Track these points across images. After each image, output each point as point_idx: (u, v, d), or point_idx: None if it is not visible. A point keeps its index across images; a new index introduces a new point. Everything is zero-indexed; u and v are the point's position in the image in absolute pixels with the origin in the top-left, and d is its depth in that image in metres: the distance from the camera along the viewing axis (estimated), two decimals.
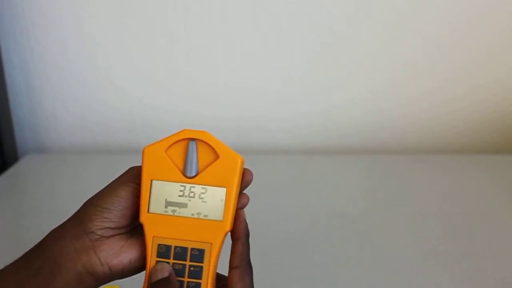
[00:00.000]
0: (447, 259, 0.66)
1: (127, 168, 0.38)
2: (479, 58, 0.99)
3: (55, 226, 0.37)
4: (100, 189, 0.37)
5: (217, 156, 0.36)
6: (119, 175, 0.38)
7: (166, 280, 0.34)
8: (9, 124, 0.96)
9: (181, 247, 0.35)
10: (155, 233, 0.35)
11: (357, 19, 0.95)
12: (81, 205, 0.37)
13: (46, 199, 0.83)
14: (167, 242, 0.35)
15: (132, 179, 0.36)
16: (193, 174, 0.36)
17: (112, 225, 0.35)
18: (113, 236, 0.35)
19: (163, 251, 0.35)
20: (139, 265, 0.36)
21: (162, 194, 0.36)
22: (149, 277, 0.35)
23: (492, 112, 1.04)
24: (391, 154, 1.04)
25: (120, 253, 0.35)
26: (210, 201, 0.35)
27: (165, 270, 0.34)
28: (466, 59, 0.99)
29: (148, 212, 0.36)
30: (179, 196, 0.36)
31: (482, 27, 0.97)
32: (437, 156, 1.02)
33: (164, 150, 0.36)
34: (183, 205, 0.36)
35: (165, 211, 0.36)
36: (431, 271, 0.64)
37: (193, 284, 0.35)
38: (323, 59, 0.98)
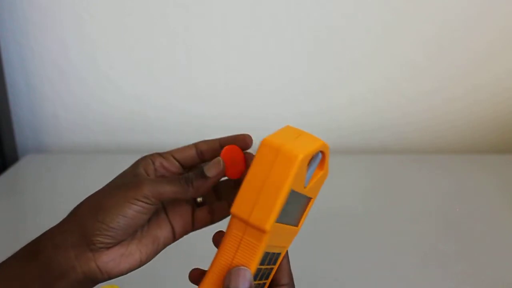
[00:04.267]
0: (447, 259, 0.66)
1: (126, 167, 0.38)
2: (479, 58, 0.99)
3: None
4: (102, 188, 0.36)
5: (322, 169, 0.36)
6: (123, 173, 0.37)
7: None
8: (9, 124, 0.96)
9: (273, 253, 0.35)
10: (270, 242, 0.33)
11: (357, 19, 0.95)
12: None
13: (46, 199, 0.83)
14: (269, 250, 0.33)
15: (143, 197, 0.34)
16: (306, 184, 0.34)
17: (114, 241, 0.34)
18: (112, 247, 0.35)
19: (263, 257, 0.33)
20: (138, 268, 0.36)
21: (288, 203, 0.32)
22: (227, 279, 0.32)
23: (492, 112, 1.04)
24: (391, 154, 1.04)
25: (120, 264, 0.35)
26: (295, 208, 0.35)
27: (246, 281, 0.31)
28: (466, 59, 0.99)
29: (276, 222, 0.32)
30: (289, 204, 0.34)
31: (483, 27, 0.97)
32: (437, 156, 1.02)
33: (307, 161, 0.33)
34: (284, 213, 0.33)
35: (280, 220, 0.33)
36: (431, 271, 0.64)
37: (261, 285, 0.35)
38: (323, 59, 0.98)
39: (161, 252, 0.38)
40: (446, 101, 1.03)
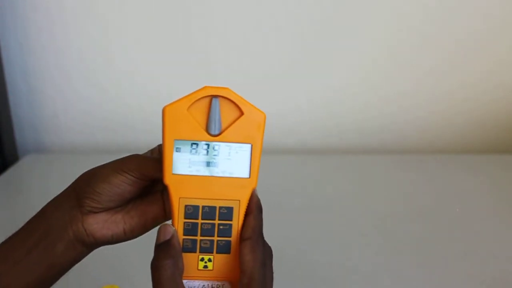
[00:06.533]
0: (447, 259, 0.66)
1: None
2: (480, 57, 1.00)
3: None
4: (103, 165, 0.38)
5: (241, 113, 0.35)
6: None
7: (167, 243, 0.34)
8: (9, 124, 0.96)
9: (209, 207, 0.35)
10: (181, 194, 0.35)
11: (356, 18, 0.95)
12: None
13: (46, 199, 0.83)
14: (195, 203, 0.35)
15: (128, 170, 0.36)
16: (217, 131, 0.35)
17: (100, 205, 0.37)
18: (100, 212, 0.37)
19: (191, 211, 0.35)
20: (124, 239, 0.38)
21: (185, 154, 0.35)
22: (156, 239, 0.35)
23: (491, 111, 1.04)
24: (391, 154, 1.04)
25: (103, 228, 0.37)
26: (235, 158, 0.35)
27: (167, 233, 0.34)
28: (465, 57, 0.99)
29: (172, 173, 0.34)
30: (204, 155, 0.35)
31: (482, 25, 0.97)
32: (437, 156, 1.02)
33: (186, 108, 0.35)
34: (208, 164, 0.35)
35: (190, 171, 0.35)
36: (431, 271, 0.64)
37: (223, 242, 0.35)
38: (323, 59, 0.98)
39: None
40: (446, 101, 1.03)
